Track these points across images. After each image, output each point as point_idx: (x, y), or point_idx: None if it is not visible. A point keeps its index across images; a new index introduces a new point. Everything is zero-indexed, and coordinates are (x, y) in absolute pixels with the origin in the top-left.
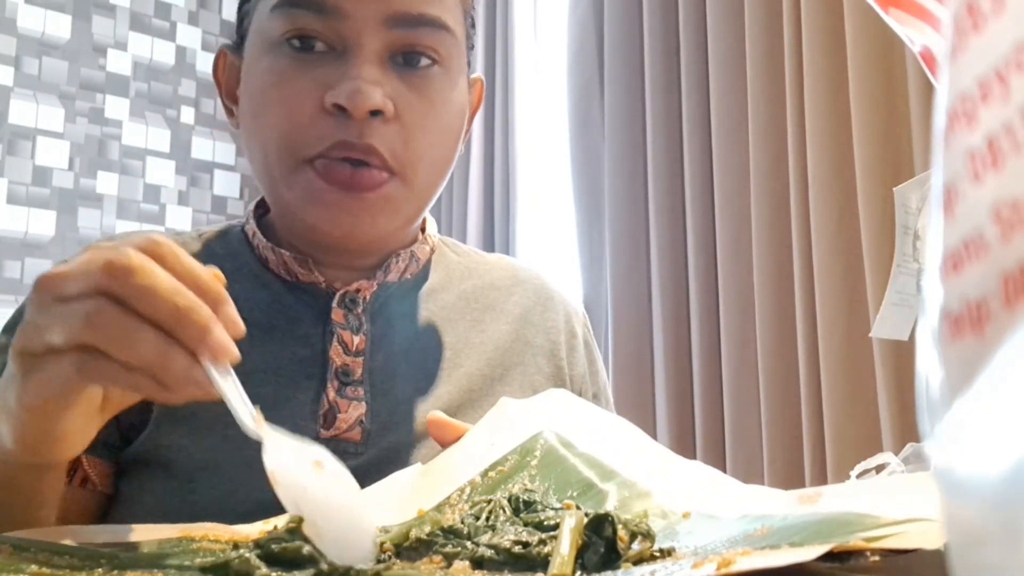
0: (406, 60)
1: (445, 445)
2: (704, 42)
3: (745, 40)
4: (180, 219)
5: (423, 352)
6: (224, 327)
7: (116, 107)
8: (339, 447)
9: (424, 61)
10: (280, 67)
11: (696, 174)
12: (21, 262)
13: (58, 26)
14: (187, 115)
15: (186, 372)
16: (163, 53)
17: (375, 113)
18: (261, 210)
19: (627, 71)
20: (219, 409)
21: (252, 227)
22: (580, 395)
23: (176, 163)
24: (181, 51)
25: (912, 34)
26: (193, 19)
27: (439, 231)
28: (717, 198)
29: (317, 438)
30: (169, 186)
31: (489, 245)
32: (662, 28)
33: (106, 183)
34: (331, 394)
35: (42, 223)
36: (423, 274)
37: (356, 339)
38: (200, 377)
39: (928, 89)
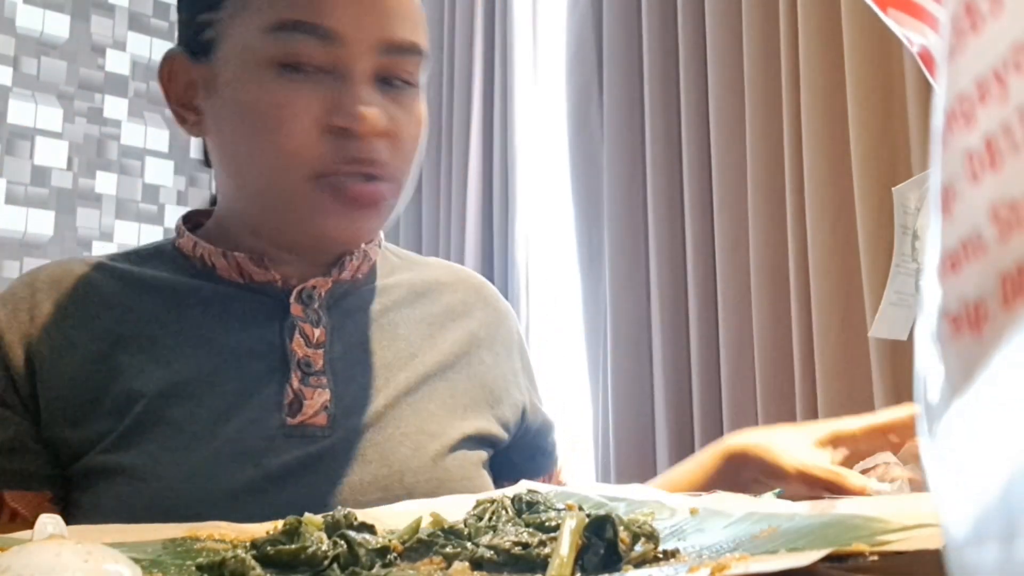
0: (386, 81)
1: None
2: (702, 43)
3: (742, 41)
4: None
5: (379, 343)
6: None
7: (115, 107)
8: (307, 432)
9: (400, 83)
10: (273, 88)
11: (694, 175)
12: (20, 262)
13: (57, 26)
14: None
15: None
16: (162, 53)
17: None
18: (189, 224)
19: (625, 73)
20: (186, 415)
21: (190, 240)
22: (525, 390)
23: (175, 163)
24: None
25: (910, 34)
26: None
27: (437, 233)
28: (715, 199)
29: (284, 426)
30: (168, 186)
31: (488, 247)
32: (660, 29)
33: (105, 183)
34: (295, 383)
35: (41, 223)
36: (373, 272)
37: (317, 331)
38: None
39: (926, 89)
